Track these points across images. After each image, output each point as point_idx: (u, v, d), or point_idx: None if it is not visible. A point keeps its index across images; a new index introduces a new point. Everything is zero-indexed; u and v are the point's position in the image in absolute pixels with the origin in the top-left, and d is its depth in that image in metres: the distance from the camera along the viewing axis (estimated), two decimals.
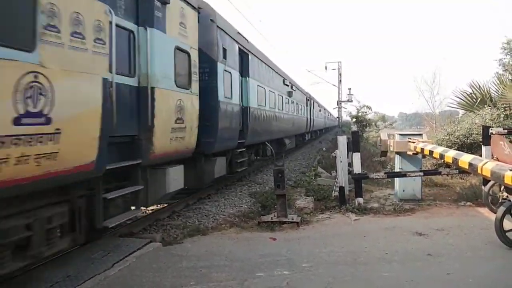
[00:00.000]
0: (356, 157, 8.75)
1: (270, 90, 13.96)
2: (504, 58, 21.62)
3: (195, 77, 7.27)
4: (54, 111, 3.80)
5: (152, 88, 5.81)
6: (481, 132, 8.69)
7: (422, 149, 8.32)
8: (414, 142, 8.80)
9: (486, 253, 5.45)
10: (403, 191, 8.93)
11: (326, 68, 44.01)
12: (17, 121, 3.45)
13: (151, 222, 7.17)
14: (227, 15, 9.21)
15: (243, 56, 10.80)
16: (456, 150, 9.06)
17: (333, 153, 14.23)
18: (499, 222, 5.55)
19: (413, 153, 8.82)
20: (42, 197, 4.10)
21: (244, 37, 10.86)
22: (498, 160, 5.82)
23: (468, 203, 8.50)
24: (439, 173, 9.02)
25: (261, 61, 12.97)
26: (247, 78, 11.02)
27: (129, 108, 5.59)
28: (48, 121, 3.76)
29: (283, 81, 17.10)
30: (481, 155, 7.94)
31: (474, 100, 14.32)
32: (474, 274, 4.67)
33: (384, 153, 10.75)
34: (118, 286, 4.41)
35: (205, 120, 7.72)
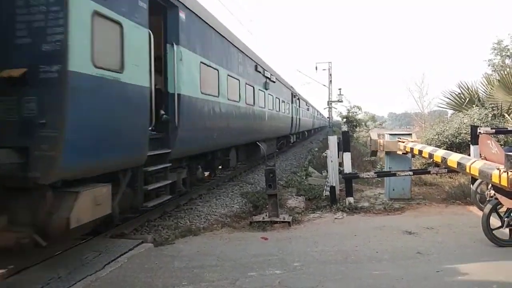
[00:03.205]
0: (347, 156, 8.81)
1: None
2: (494, 59, 21.93)
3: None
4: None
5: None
6: (470, 131, 8.82)
7: (412, 149, 8.42)
8: (403, 142, 8.90)
9: (474, 251, 5.54)
10: (393, 190, 9.02)
11: (316, 68, 44.11)
12: None
13: (142, 223, 7.14)
14: (218, 15, 9.41)
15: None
16: (445, 149, 9.18)
17: (324, 153, 14.33)
18: (486, 220, 5.65)
19: (402, 153, 8.92)
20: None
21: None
22: (486, 159, 5.91)
23: (457, 201, 8.61)
24: (428, 172, 9.12)
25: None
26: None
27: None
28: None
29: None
30: (469, 155, 8.05)
31: (462, 100, 14.54)
32: (463, 272, 4.74)
33: (374, 153, 10.84)
34: (109, 287, 4.39)
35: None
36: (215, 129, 8.87)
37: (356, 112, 30.18)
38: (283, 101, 19.15)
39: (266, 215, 7.26)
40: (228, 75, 9.82)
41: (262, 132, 14.04)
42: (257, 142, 12.27)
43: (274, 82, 16.41)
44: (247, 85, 11.87)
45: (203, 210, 8.27)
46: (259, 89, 13.66)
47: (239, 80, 10.88)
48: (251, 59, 12.74)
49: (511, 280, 4.56)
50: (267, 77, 14.83)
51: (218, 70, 8.99)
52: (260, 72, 13.79)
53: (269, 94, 15.31)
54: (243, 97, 11.38)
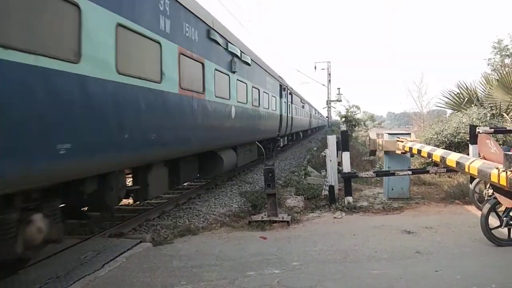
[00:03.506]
0: (346, 156, 8.81)
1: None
2: (494, 58, 21.94)
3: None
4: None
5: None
6: (468, 131, 8.82)
7: (411, 148, 8.41)
8: (402, 141, 8.89)
9: (473, 250, 5.54)
10: (392, 189, 9.02)
11: (315, 68, 44.24)
12: None
13: (141, 222, 7.14)
14: (217, 15, 9.29)
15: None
16: (444, 149, 9.19)
17: (322, 152, 14.34)
18: (485, 220, 5.65)
19: (401, 152, 8.91)
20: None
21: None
22: (485, 159, 5.91)
23: (456, 201, 8.62)
24: (427, 172, 9.11)
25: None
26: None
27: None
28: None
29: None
30: (468, 154, 8.06)
31: (461, 99, 14.56)
32: (462, 271, 4.74)
33: (373, 152, 10.85)
34: (108, 286, 4.38)
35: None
36: (72, 134, 4.27)
37: (355, 112, 30.12)
38: (265, 93, 14.20)
39: (265, 215, 7.26)
40: (121, 25, 5.13)
41: (225, 136, 9.51)
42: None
43: (248, 64, 11.58)
44: (185, 58, 7.06)
45: (202, 210, 8.26)
46: (218, 70, 8.78)
47: (159, 45, 6.13)
48: (198, 17, 7.75)
49: (510, 279, 4.56)
50: (234, 54, 9.97)
51: (79, 7, 4.34)
52: (218, 44, 8.80)
53: (238, 80, 10.45)
54: (174, 78, 6.59)
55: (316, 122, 47.19)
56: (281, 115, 17.67)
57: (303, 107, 29.63)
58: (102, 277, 4.57)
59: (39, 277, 4.50)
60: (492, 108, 13.00)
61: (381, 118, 60.61)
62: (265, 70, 14.70)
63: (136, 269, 4.83)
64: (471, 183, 7.94)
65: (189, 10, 7.35)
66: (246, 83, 11.41)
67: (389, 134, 9.82)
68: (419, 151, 8.09)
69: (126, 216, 7.32)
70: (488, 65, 21.82)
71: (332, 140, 9.36)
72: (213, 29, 8.55)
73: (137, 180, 6.52)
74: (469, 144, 8.45)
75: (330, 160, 9.12)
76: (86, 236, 6.00)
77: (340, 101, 39.31)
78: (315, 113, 47.64)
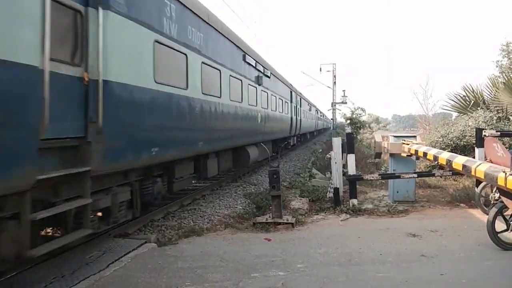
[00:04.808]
0: (351, 158, 8.80)
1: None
2: (502, 60, 21.69)
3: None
4: None
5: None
6: (475, 134, 8.78)
7: (416, 151, 8.39)
8: (408, 144, 8.87)
9: (478, 254, 5.51)
10: (397, 192, 8.98)
11: (320, 69, 43.94)
12: None
13: (145, 223, 7.15)
14: (222, 17, 9.22)
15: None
16: (450, 152, 9.15)
17: (327, 155, 14.31)
18: (491, 223, 5.62)
19: (407, 155, 8.89)
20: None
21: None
22: (492, 162, 5.88)
23: (461, 204, 8.58)
24: (433, 175, 9.09)
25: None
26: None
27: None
28: None
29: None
30: (474, 157, 8.01)
31: (467, 102, 14.49)
32: (467, 275, 4.71)
33: (378, 155, 10.82)
34: (113, 286, 4.40)
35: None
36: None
37: (360, 114, 30.03)
38: None
39: (269, 216, 7.25)
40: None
41: None
42: None
43: None
44: None
45: (207, 211, 8.27)
46: None
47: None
48: None
49: None
50: None
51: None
52: None
53: None
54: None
55: (311, 124, 34.48)
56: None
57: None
58: (107, 277, 4.59)
59: (45, 276, 4.52)
60: (499, 111, 12.91)
61: (386, 120, 60.54)
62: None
63: (141, 270, 4.84)
64: (477, 186, 7.89)
65: None
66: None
67: (394, 136, 9.79)
68: (425, 154, 8.06)
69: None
70: (497, 67, 21.58)
71: (337, 142, 9.34)
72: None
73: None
74: (475, 147, 8.41)
75: (335, 163, 9.10)
76: (92, 236, 6.01)
77: (345, 103, 39.15)
78: (310, 109, 33.24)
